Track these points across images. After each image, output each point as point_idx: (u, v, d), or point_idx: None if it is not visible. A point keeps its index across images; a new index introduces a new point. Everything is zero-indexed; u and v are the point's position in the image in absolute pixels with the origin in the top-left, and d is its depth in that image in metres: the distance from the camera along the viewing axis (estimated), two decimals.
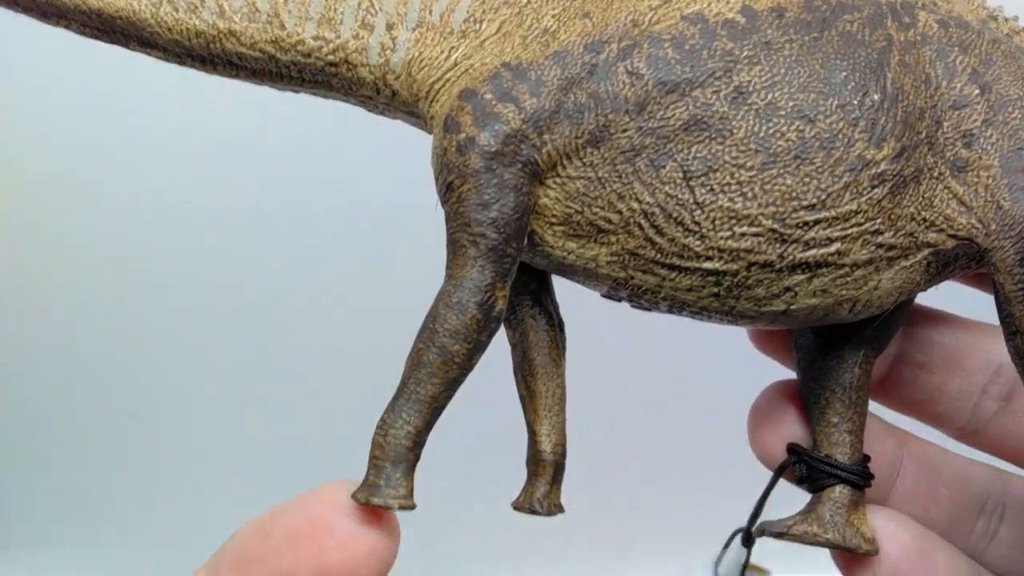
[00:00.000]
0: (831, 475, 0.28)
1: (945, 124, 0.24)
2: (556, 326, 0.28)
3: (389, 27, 0.25)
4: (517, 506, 0.27)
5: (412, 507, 0.22)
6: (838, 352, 0.28)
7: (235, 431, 0.64)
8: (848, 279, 0.24)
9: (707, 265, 0.24)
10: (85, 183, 0.63)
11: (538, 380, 0.27)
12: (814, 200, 0.23)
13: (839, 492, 0.28)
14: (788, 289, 0.24)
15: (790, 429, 0.29)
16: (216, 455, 0.66)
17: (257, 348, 0.64)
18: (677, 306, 0.25)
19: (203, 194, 0.63)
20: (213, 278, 0.64)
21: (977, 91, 0.25)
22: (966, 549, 0.29)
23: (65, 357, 0.65)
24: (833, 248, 0.24)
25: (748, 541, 0.30)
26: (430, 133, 0.27)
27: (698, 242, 0.24)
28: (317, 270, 0.63)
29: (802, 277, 0.24)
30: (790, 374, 0.31)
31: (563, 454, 0.27)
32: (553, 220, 0.24)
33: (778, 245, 0.23)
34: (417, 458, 0.23)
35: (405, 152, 0.60)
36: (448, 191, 0.23)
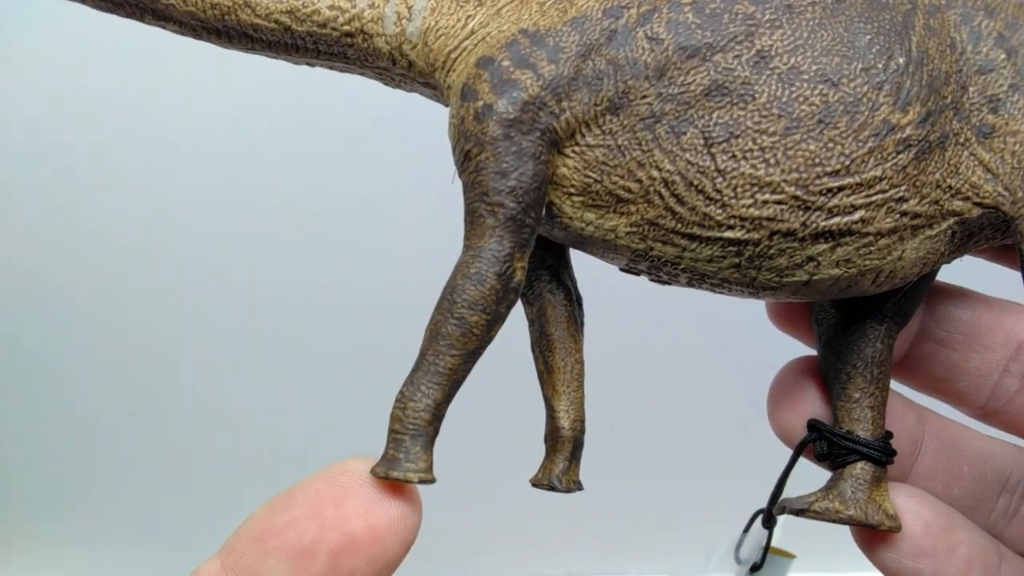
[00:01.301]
0: (853, 451, 0.27)
1: (971, 89, 0.24)
2: (574, 301, 0.27)
3: None
4: (536, 482, 0.26)
5: (432, 481, 0.22)
6: (860, 326, 0.28)
7: (235, 431, 0.64)
8: (872, 248, 0.24)
9: (728, 234, 0.23)
10: (85, 183, 0.63)
11: (556, 355, 0.27)
12: (838, 166, 0.23)
13: (861, 469, 0.27)
14: (811, 259, 0.24)
15: (810, 406, 0.29)
16: (216, 455, 0.66)
17: (257, 348, 0.64)
18: (697, 278, 0.25)
19: (203, 194, 0.62)
20: (213, 278, 0.64)
21: (1003, 55, 0.24)
22: (987, 527, 0.28)
23: (65, 357, 0.65)
24: (857, 216, 0.23)
25: (769, 522, 0.29)
26: (446, 105, 0.27)
27: (719, 210, 0.23)
28: (318, 270, 0.63)
29: (825, 246, 0.23)
30: (810, 352, 0.31)
31: (582, 430, 0.27)
32: (572, 190, 0.24)
33: (801, 213, 0.23)
34: (436, 432, 0.22)
35: (405, 147, 0.60)
36: (466, 160, 0.23)
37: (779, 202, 0.23)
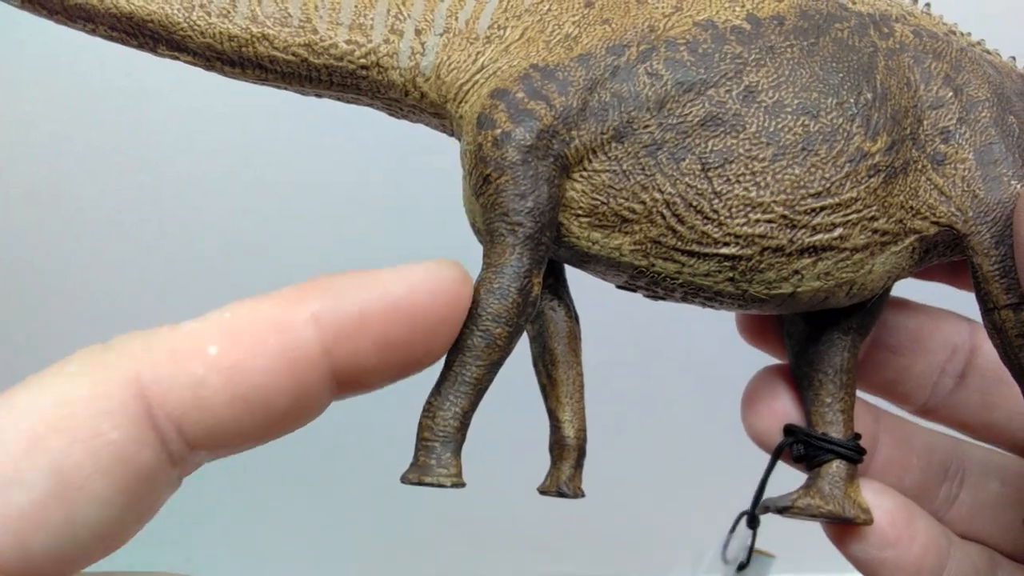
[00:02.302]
0: (829, 451, 0.30)
1: (925, 122, 0.27)
2: (573, 317, 0.29)
3: (418, 32, 0.27)
4: (544, 490, 0.28)
5: (463, 485, 0.23)
6: (828, 338, 0.30)
7: None
8: (848, 262, 0.26)
9: (724, 251, 0.26)
10: (84, 183, 0.62)
11: (559, 369, 0.28)
12: (820, 188, 0.26)
13: (836, 467, 0.30)
14: (796, 272, 0.26)
15: (783, 411, 0.31)
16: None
17: None
18: (692, 292, 0.27)
19: (203, 194, 0.62)
20: (214, 278, 0.63)
21: (951, 93, 0.27)
22: (932, 511, 0.32)
23: (64, 356, 0.63)
24: (836, 233, 0.26)
25: (753, 523, 0.31)
26: (451, 134, 0.29)
27: (716, 229, 0.25)
28: (319, 271, 0.63)
29: (809, 260, 0.26)
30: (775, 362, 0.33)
31: (584, 438, 0.28)
32: (579, 211, 0.26)
33: (788, 230, 0.26)
34: (463, 438, 0.24)
35: (404, 146, 0.61)
36: (485, 183, 0.25)
37: (769, 220, 0.25)
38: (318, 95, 0.28)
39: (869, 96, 0.26)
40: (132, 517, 0.18)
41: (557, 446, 0.28)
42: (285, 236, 0.64)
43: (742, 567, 0.31)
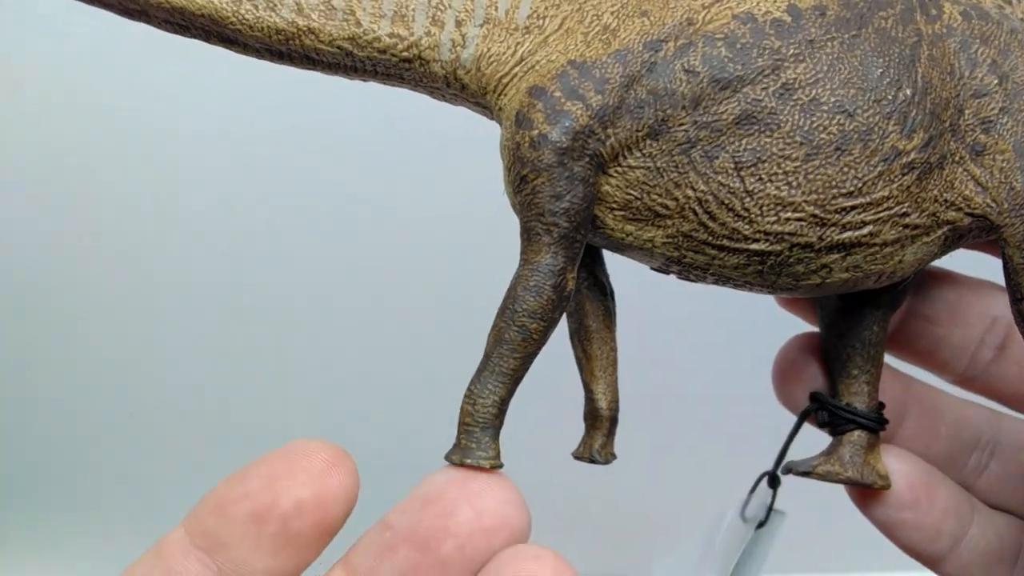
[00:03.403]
0: (851, 421, 0.31)
1: (966, 112, 0.27)
2: (608, 295, 0.30)
3: (458, 23, 0.27)
4: (578, 456, 0.30)
5: (501, 466, 0.25)
6: (859, 312, 0.31)
7: (236, 432, 0.62)
8: (877, 256, 0.27)
9: (754, 247, 0.26)
10: (84, 182, 0.62)
11: (594, 344, 0.30)
12: (852, 188, 0.26)
13: (858, 436, 0.31)
14: (824, 266, 0.27)
15: (812, 379, 0.33)
16: (216, 455, 0.62)
17: (259, 349, 0.64)
18: (722, 280, 0.28)
19: (203, 194, 0.62)
20: (214, 278, 0.63)
21: (996, 80, 0.27)
22: (959, 480, 0.33)
23: (65, 357, 0.64)
24: (866, 230, 0.26)
25: (774, 482, 0.33)
26: (492, 119, 0.29)
27: (747, 226, 0.26)
28: (319, 271, 0.63)
29: (837, 256, 0.27)
30: (807, 329, 0.34)
31: (617, 409, 0.30)
32: (614, 206, 0.27)
33: (818, 228, 0.26)
34: (501, 424, 0.26)
35: (404, 147, 0.60)
36: (522, 183, 0.26)
37: (800, 219, 0.26)
38: (363, 80, 0.29)
39: (908, 92, 0.26)
40: None
41: (591, 416, 0.30)
42: (287, 237, 0.63)
43: (760, 525, 0.33)
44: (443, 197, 0.60)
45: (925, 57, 0.27)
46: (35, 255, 0.62)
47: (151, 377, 0.64)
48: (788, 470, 0.32)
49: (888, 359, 0.33)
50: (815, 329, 0.33)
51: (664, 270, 0.29)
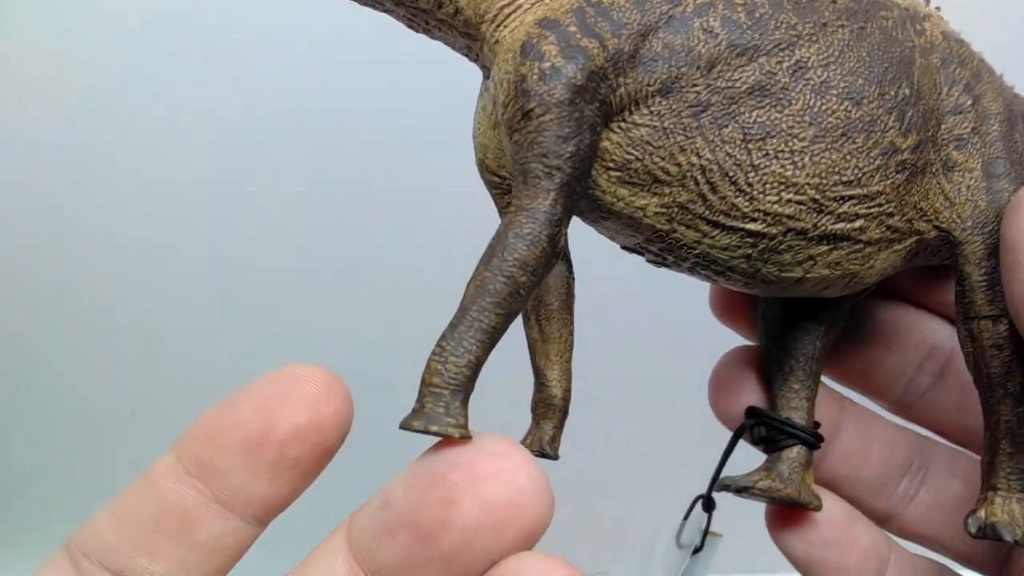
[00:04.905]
0: (791, 436, 0.30)
1: (943, 126, 0.27)
2: (571, 273, 0.28)
3: None
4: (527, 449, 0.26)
5: (470, 437, 0.21)
6: (803, 326, 0.30)
7: None
8: (858, 255, 0.26)
9: (750, 226, 0.25)
10: (85, 182, 0.61)
11: (553, 324, 0.27)
12: (851, 177, 0.25)
13: (796, 452, 0.30)
14: (811, 258, 0.26)
15: (749, 392, 0.31)
16: None
17: (259, 348, 0.62)
18: (703, 264, 0.26)
19: (204, 194, 0.61)
20: (215, 278, 0.62)
21: (970, 101, 0.28)
22: (888, 508, 0.32)
23: (65, 357, 0.64)
24: (857, 224, 0.26)
25: (709, 506, 0.31)
26: (474, 59, 0.26)
27: (747, 203, 0.25)
28: (319, 271, 0.62)
29: (825, 248, 0.26)
30: (742, 342, 0.33)
31: (569, 399, 0.27)
32: (611, 165, 0.24)
33: (815, 215, 0.25)
34: (472, 389, 0.22)
35: (402, 143, 0.58)
36: (525, 119, 0.23)
37: (800, 202, 0.25)
38: None
39: (907, 92, 0.26)
40: None
41: (542, 404, 0.27)
42: (287, 237, 0.63)
43: (696, 550, 0.31)
44: (440, 183, 0.59)
45: (919, 63, 0.27)
46: (35, 255, 0.62)
47: (151, 377, 0.64)
48: (724, 487, 0.30)
49: (823, 379, 0.33)
50: (752, 343, 0.33)
51: (642, 248, 0.26)
